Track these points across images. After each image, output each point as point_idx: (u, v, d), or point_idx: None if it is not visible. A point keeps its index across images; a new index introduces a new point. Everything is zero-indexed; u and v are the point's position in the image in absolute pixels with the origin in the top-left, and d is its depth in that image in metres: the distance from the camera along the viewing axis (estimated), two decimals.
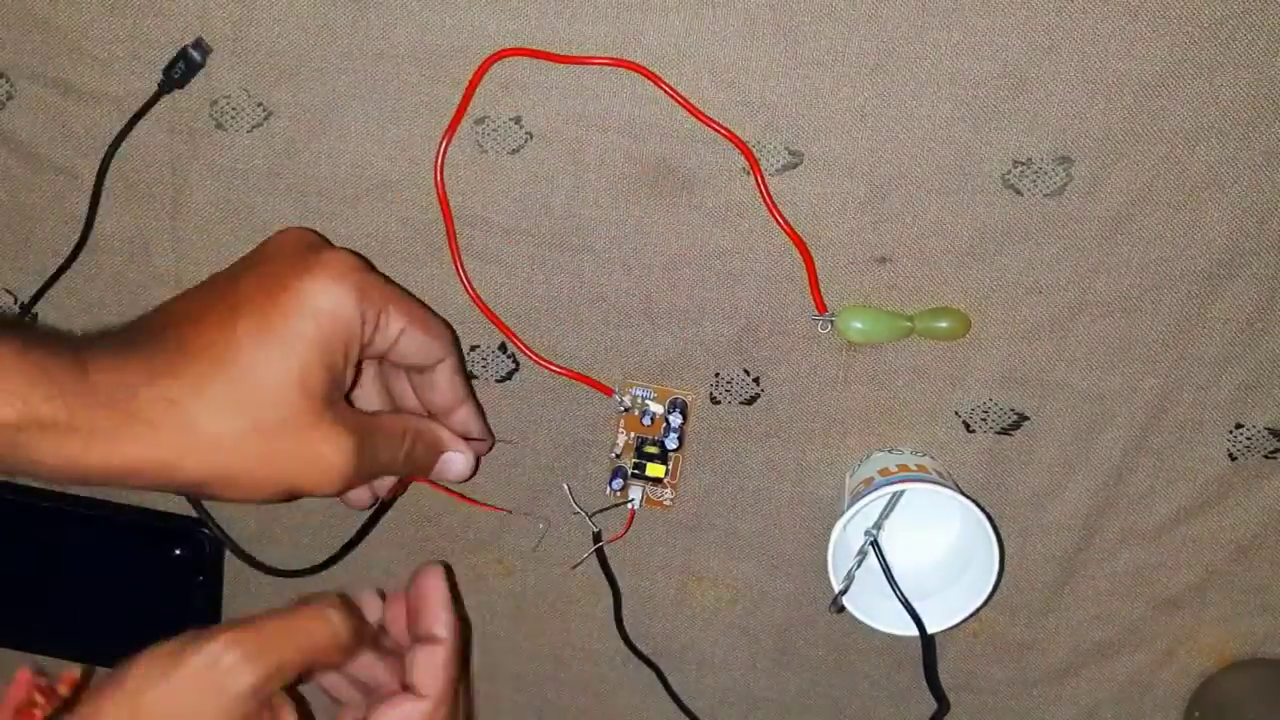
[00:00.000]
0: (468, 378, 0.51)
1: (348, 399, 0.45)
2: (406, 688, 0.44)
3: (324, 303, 0.41)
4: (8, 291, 0.55)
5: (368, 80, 0.51)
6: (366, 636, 0.44)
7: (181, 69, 0.51)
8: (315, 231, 0.47)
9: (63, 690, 0.52)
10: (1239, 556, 0.53)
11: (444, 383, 0.48)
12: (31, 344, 0.37)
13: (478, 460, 0.50)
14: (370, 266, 0.44)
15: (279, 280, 0.41)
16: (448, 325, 0.49)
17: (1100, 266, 0.50)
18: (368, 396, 0.49)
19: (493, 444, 0.53)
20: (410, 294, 0.47)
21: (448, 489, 0.54)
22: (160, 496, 0.57)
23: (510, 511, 0.55)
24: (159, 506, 0.57)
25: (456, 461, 0.48)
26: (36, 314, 0.55)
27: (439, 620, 0.46)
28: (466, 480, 0.50)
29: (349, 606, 0.43)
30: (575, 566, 0.55)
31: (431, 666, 0.45)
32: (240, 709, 0.39)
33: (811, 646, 0.56)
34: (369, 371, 0.49)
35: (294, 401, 0.40)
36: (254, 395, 0.40)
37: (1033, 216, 0.50)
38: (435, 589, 0.46)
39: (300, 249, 0.43)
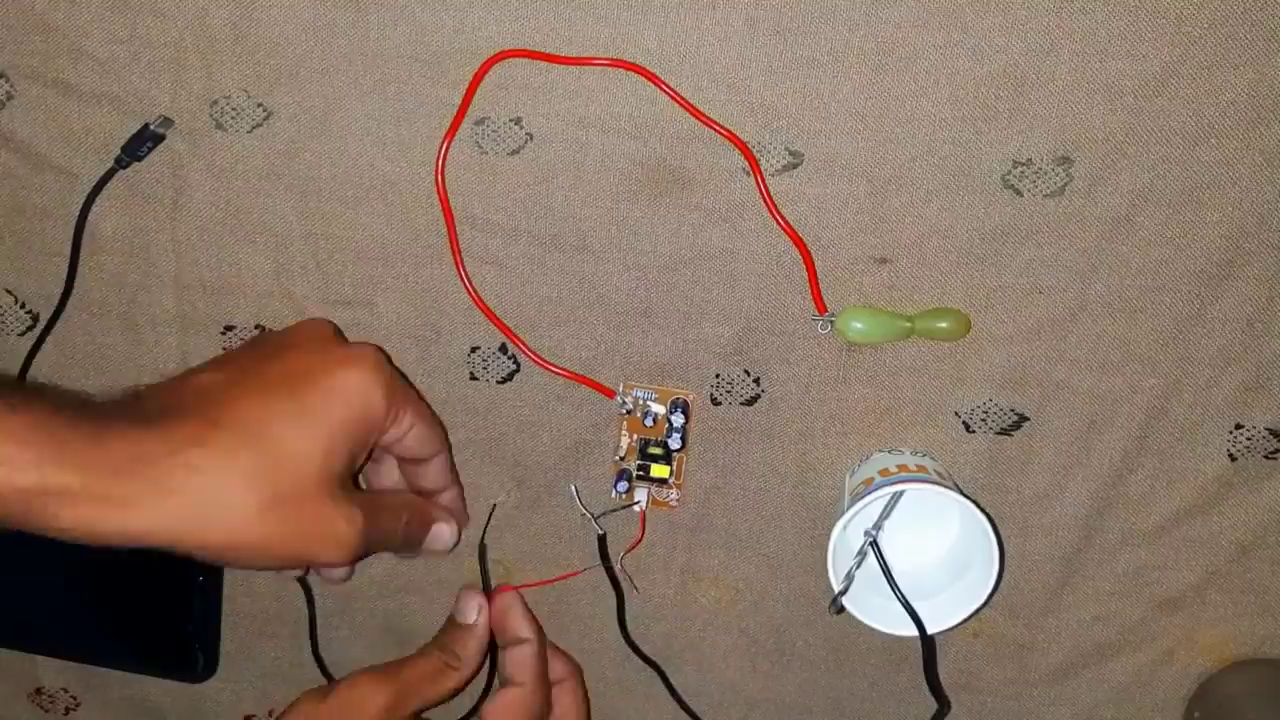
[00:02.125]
0: (454, 464, 0.54)
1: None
2: (504, 683, 0.52)
3: (357, 392, 0.44)
4: (8, 292, 0.55)
5: (368, 81, 0.51)
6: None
7: (148, 146, 0.52)
8: (334, 325, 0.50)
9: None
10: (1239, 557, 0.53)
11: (436, 471, 0.52)
12: (51, 412, 0.38)
13: (457, 539, 0.53)
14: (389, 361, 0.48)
15: (316, 367, 0.44)
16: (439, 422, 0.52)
17: (1100, 267, 0.50)
18: (364, 478, 0.53)
19: (466, 523, 0.55)
20: (419, 392, 0.52)
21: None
22: None
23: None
24: None
25: (444, 533, 0.52)
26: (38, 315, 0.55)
27: (523, 626, 0.53)
28: (449, 552, 0.53)
29: (466, 641, 0.52)
30: (586, 569, 0.56)
31: (523, 661, 0.52)
32: None
33: (811, 647, 0.56)
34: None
35: (316, 478, 0.43)
36: (279, 469, 0.42)
37: (1033, 217, 0.50)
38: (514, 603, 0.53)
39: (328, 341, 0.48)
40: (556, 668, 0.54)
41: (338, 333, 0.50)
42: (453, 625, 0.53)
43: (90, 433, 0.38)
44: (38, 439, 0.37)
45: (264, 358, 0.45)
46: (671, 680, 0.57)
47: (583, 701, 0.55)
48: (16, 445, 0.37)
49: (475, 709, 0.55)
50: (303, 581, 0.57)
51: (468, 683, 0.52)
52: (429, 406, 0.51)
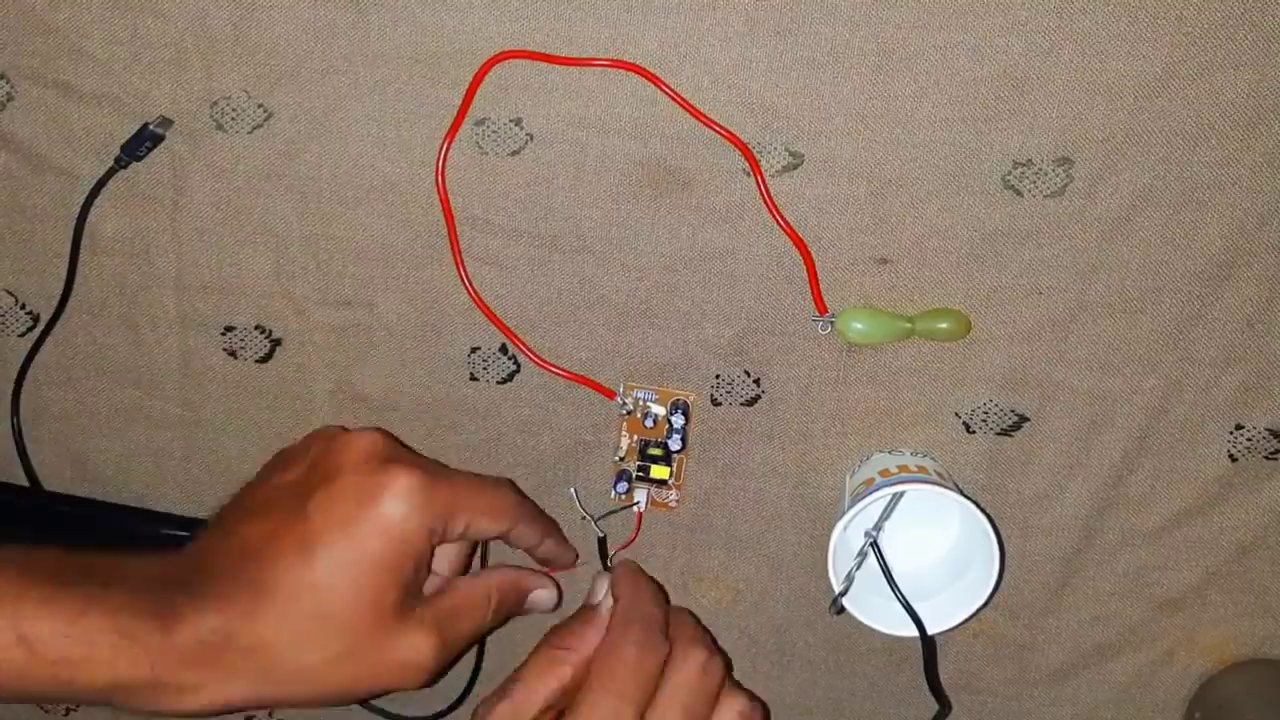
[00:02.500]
0: (542, 515, 0.52)
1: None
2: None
3: (392, 528, 0.43)
4: (9, 293, 0.55)
5: (368, 82, 0.51)
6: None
7: (147, 147, 0.52)
8: (387, 436, 0.46)
9: None
10: (1239, 557, 0.53)
11: (521, 537, 0.50)
12: (127, 601, 0.40)
13: (560, 593, 0.52)
14: (436, 467, 0.47)
15: (350, 509, 0.43)
16: (508, 485, 0.50)
17: (1100, 267, 0.50)
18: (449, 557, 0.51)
19: (577, 558, 0.54)
20: (471, 478, 0.49)
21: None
22: (160, 496, 0.57)
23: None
24: (159, 507, 0.57)
25: (543, 599, 0.51)
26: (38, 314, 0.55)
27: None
28: (556, 609, 0.52)
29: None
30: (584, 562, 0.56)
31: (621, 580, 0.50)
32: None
33: (812, 647, 0.56)
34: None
35: (371, 621, 0.43)
36: (332, 628, 0.42)
37: (1033, 217, 0.50)
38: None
39: (370, 464, 0.45)
40: None
41: (389, 445, 0.46)
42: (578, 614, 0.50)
43: (158, 624, 0.40)
44: (112, 639, 0.39)
45: (303, 498, 0.44)
46: None
47: None
48: (92, 646, 0.39)
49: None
50: None
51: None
52: (488, 487, 0.48)
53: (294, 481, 0.45)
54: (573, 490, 0.54)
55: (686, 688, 0.45)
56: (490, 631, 0.50)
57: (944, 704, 0.52)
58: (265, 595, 0.42)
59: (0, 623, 0.38)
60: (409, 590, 0.44)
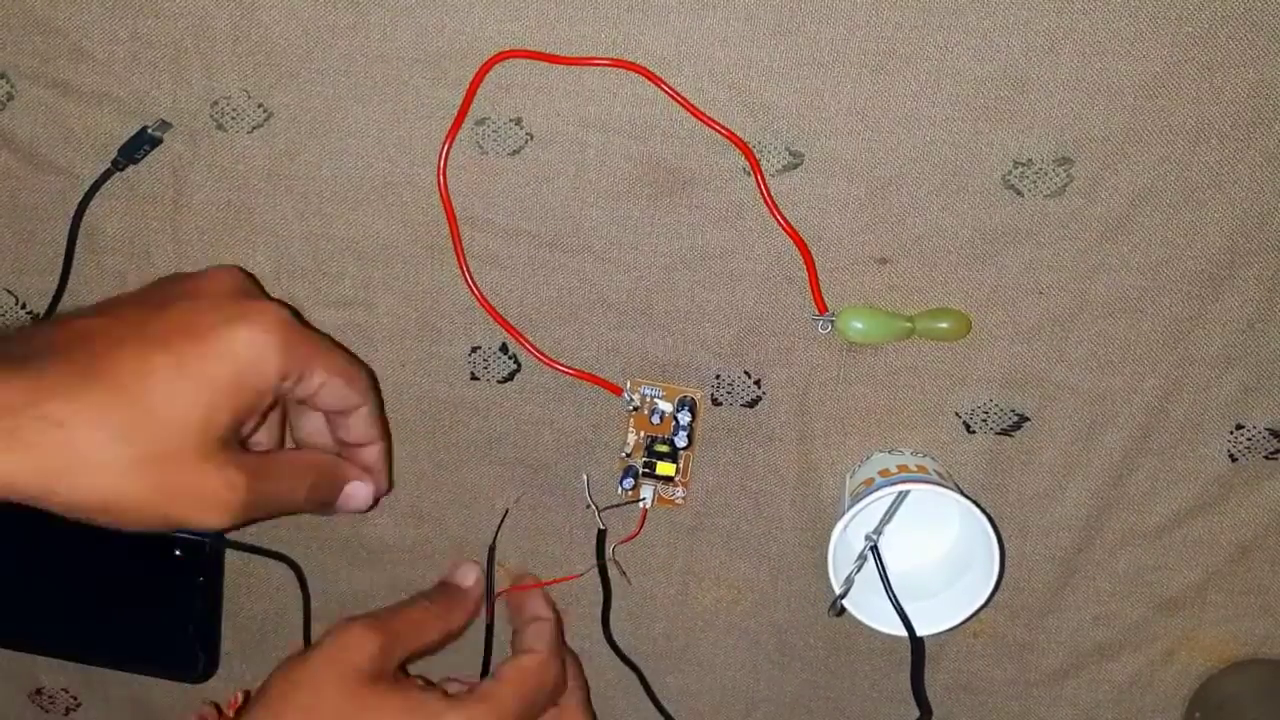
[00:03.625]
0: (383, 418, 0.51)
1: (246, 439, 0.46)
2: (522, 652, 0.52)
3: (246, 353, 0.41)
4: (9, 292, 0.55)
5: (369, 82, 0.51)
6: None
7: (145, 149, 0.52)
8: (249, 274, 0.47)
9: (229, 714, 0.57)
10: (1239, 557, 0.53)
11: (359, 425, 0.49)
12: None
13: (377, 497, 0.51)
14: (299, 319, 0.45)
15: (205, 322, 0.41)
16: (367, 370, 0.50)
17: (1100, 267, 0.50)
18: (288, 430, 0.51)
19: (390, 489, 0.53)
20: (334, 342, 0.48)
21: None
22: None
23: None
24: None
25: (360, 492, 0.50)
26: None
27: (542, 607, 0.55)
28: (366, 512, 0.51)
29: (459, 600, 0.53)
30: (585, 572, 0.56)
31: (542, 633, 0.53)
32: (364, 675, 0.46)
33: (812, 647, 0.56)
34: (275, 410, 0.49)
35: (191, 439, 0.40)
36: (152, 428, 0.39)
37: (1033, 217, 0.50)
38: (536, 592, 0.56)
39: (233, 293, 0.44)
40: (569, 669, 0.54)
41: (250, 284, 0.46)
42: (446, 585, 0.54)
43: None
44: None
45: (155, 306, 0.42)
46: (670, 681, 0.57)
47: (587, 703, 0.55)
48: None
49: (485, 670, 0.55)
50: (298, 572, 0.57)
51: (451, 639, 0.52)
52: (348, 357, 0.48)
53: (148, 295, 0.44)
54: (585, 476, 0.54)
55: None
56: (299, 512, 0.48)
57: (925, 709, 0.52)
58: (90, 379, 0.39)
59: None
60: (237, 426, 0.42)
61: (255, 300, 0.43)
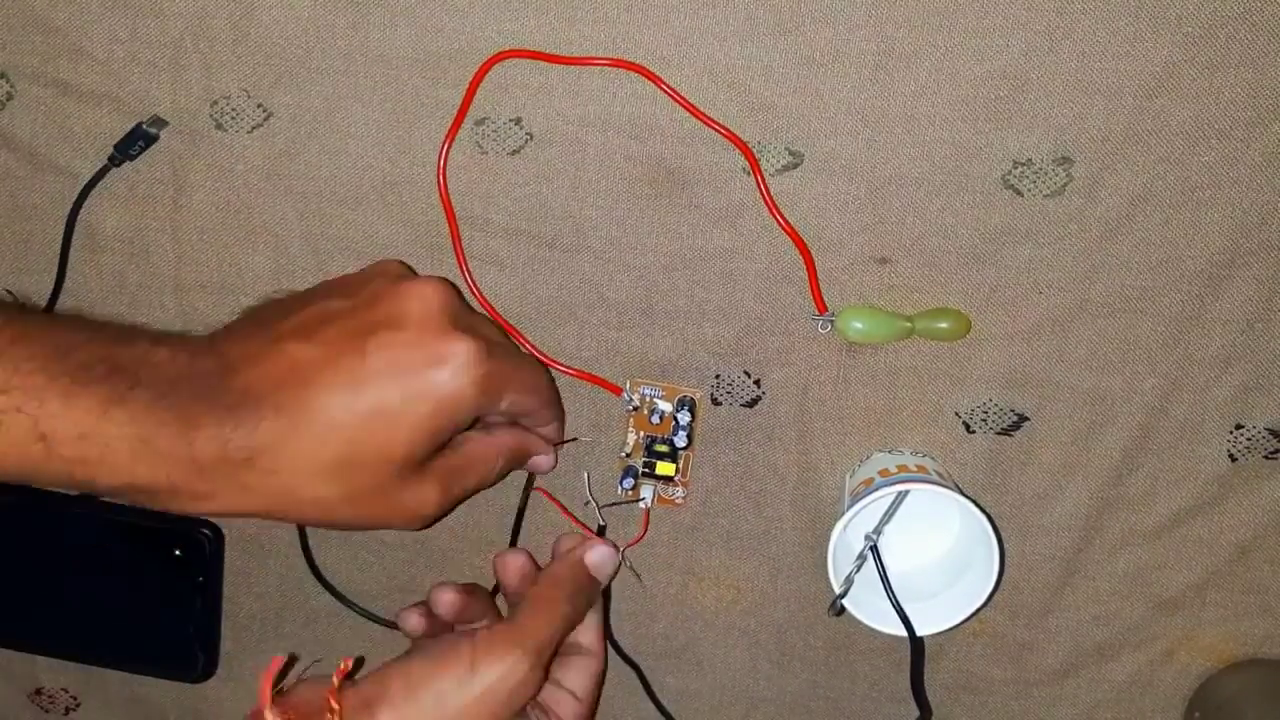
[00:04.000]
0: (559, 402, 0.53)
1: None
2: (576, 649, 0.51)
3: (447, 393, 0.43)
4: (9, 292, 0.55)
5: (368, 81, 0.51)
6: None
7: (140, 145, 0.52)
8: (456, 290, 0.46)
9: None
10: (1239, 557, 0.53)
11: (541, 418, 0.51)
12: (140, 409, 0.39)
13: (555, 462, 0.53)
14: (495, 337, 0.47)
15: (408, 363, 0.43)
16: (547, 374, 0.51)
17: (1100, 267, 0.50)
18: None
19: (558, 448, 0.54)
20: (521, 354, 0.51)
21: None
22: None
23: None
24: None
25: (544, 463, 0.52)
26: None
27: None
28: (548, 472, 0.53)
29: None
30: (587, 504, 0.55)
31: (595, 630, 0.52)
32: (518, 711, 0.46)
33: (812, 647, 0.56)
34: None
35: (392, 471, 0.43)
36: (358, 470, 0.43)
37: (1033, 217, 0.50)
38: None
39: (437, 326, 0.44)
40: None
41: (453, 301, 0.45)
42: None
43: (179, 432, 0.40)
44: (131, 444, 0.39)
45: (363, 332, 0.43)
46: (669, 681, 0.57)
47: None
48: (110, 450, 0.39)
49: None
50: (314, 568, 0.57)
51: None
52: (534, 369, 0.49)
53: (352, 311, 0.44)
54: (585, 474, 0.54)
55: None
56: (491, 485, 0.50)
57: (924, 709, 0.52)
58: (301, 424, 0.41)
59: (21, 418, 0.38)
60: (432, 449, 0.45)
61: (456, 338, 0.44)
